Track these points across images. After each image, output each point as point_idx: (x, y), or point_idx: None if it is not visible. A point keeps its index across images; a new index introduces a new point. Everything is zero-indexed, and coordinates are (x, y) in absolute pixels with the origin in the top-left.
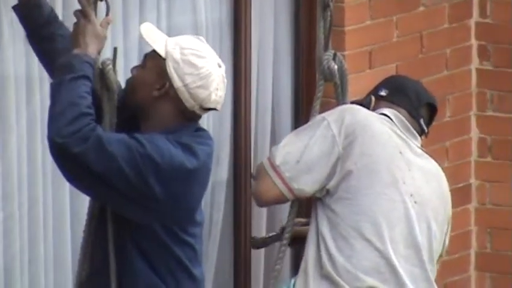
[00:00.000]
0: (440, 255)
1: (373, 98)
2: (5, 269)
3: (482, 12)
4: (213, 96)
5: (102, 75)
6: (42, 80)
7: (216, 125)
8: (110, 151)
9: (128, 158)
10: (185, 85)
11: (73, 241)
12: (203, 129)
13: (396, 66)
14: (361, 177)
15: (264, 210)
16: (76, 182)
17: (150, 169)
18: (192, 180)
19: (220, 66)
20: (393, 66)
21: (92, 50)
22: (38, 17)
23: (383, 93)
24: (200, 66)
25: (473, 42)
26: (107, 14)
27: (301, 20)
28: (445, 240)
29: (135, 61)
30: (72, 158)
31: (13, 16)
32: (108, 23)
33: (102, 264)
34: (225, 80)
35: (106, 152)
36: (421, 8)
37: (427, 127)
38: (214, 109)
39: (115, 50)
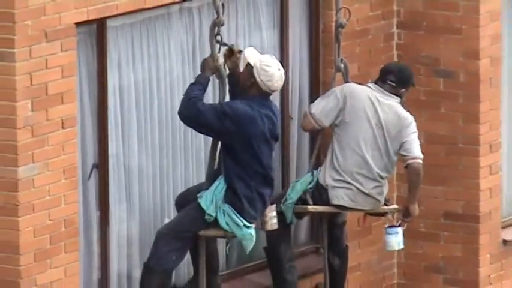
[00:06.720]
0: (400, 151)
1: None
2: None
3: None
4: (275, 85)
5: (216, 70)
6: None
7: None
8: (203, 114)
9: (213, 113)
10: (261, 80)
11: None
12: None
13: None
14: (351, 118)
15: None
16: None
17: (226, 117)
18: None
19: (279, 70)
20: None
21: (206, 72)
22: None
23: (391, 78)
24: (268, 70)
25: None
26: (220, 44)
27: (314, 43)
28: (402, 143)
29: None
30: (182, 119)
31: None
32: (223, 55)
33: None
34: (283, 77)
35: (200, 113)
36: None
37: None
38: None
39: (224, 56)
